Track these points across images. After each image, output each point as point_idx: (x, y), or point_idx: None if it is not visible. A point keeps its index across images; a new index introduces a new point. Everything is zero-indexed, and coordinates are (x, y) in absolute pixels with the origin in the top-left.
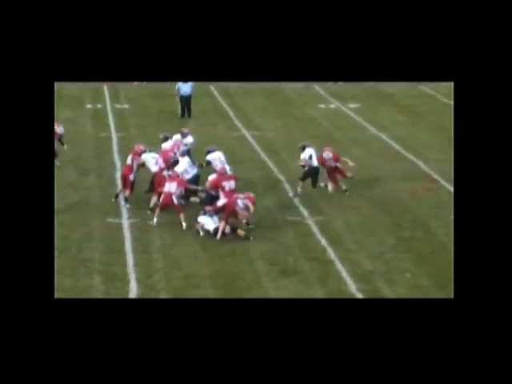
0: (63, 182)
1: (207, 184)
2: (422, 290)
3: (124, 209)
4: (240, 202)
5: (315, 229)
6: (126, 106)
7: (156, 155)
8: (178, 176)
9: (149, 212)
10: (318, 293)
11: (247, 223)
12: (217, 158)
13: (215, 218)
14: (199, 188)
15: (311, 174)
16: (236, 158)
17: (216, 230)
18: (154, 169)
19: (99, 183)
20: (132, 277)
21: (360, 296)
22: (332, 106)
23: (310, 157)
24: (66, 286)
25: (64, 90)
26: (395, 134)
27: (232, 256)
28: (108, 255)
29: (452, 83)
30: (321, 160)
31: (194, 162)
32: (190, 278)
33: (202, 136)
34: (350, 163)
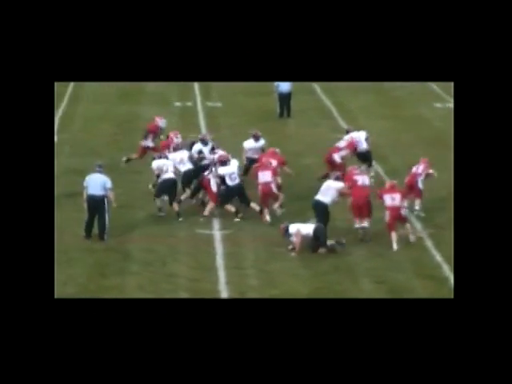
0: (145, 188)
1: (344, 175)
2: None
3: (215, 219)
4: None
5: (429, 243)
6: (219, 103)
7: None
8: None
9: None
10: None
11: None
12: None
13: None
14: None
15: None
16: None
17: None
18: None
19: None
20: (224, 295)
21: None
22: (450, 105)
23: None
24: None
25: (148, 85)
26: None
27: (335, 273)
28: (196, 270)
29: None
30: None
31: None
32: (288, 296)
33: (302, 137)
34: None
